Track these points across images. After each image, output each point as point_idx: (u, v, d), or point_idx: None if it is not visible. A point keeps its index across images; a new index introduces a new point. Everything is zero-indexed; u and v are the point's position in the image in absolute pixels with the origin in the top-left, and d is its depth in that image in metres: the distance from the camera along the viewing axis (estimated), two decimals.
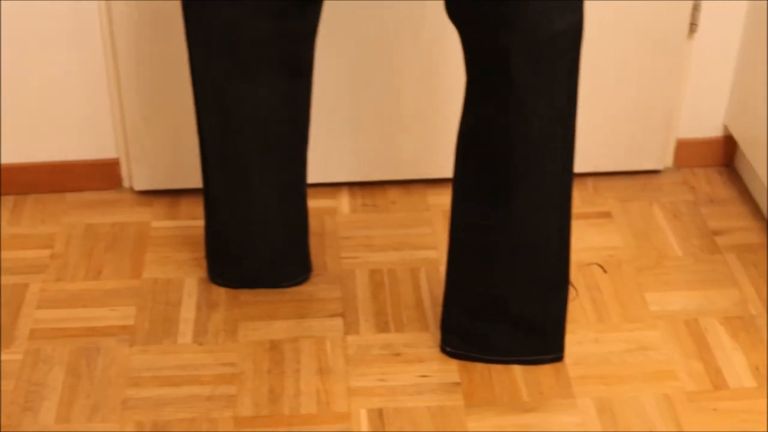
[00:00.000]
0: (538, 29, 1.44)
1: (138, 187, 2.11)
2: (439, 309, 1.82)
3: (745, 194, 2.15)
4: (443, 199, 2.10)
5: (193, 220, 2.05)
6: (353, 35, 1.97)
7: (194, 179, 2.05)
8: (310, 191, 2.06)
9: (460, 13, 1.50)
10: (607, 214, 2.09)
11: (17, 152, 2.08)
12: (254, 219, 1.79)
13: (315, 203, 2.08)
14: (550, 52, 1.47)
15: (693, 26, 2.05)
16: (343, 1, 1.93)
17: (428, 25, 1.97)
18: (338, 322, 1.82)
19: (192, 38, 1.63)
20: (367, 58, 2.00)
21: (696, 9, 2.04)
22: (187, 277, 1.91)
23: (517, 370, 1.73)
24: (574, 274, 1.92)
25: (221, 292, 1.88)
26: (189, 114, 2.01)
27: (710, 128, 2.20)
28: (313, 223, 2.02)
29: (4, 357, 1.74)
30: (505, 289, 1.66)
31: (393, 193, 2.14)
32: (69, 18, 1.94)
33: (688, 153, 2.21)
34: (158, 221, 2.06)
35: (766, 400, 1.69)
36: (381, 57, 2.00)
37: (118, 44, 1.96)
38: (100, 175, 2.12)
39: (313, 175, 2.08)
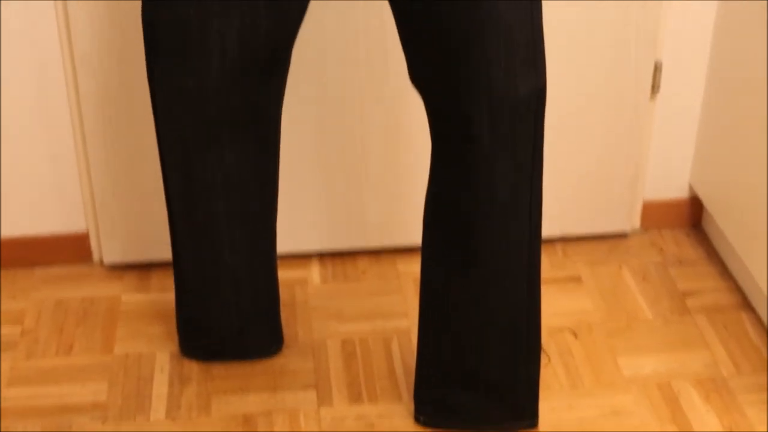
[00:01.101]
0: (501, 94, 1.46)
1: (108, 260, 2.10)
2: (412, 378, 1.82)
3: (713, 255, 2.17)
4: (413, 267, 2.11)
5: (164, 292, 2.05)
6: (318, 104, 1.99)
7: (164, 252, 2.05)
8: (280, 261, 2.06)
9: (422, 79, 1.51)
10: (576, 279, 2.10)
11: None
12: (224, 291, 1.79)
13: (285, 273, 2.08)
14: (514, 116, 1.48)
15: (655, 87, 2.08)
16: (307, 71, 1.94)
17: (392, 91, 1.99)
18: (311, 394, 1.81)
19: (158, 110, 1.64)
20: (333, 127, 2.01)
21: (657, 70, 2.07)
22: (158, 351, 1.90)
23: None
24: (546, 340, 1.92)
25: (193, 366, 1.87)
26: (158, 187, 2.01)
27: (676, 189, 2.22)
28: (284, 294, 2.02)
29: None
30: (476, 358, 1.66)
31: (363, 262, 2.14)
32: (36, 93, 1.94)
33: (655, 214, 2.23)
34: (129, 294, 2.05)
35: None
36: (346, 125, 2.01)
37: (85, 118, 1.96)
38: (70, 249, 2.11)
39: (282, 245, 2.08)
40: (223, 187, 1.68)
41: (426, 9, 1.42)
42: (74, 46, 1.90)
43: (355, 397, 1.80)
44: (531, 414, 1.73)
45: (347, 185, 2.07)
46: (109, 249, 2.09)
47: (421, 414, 1.74)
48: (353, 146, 2.04)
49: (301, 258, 2.14)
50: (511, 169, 1.53)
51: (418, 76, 1.51)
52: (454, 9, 1.39)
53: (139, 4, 1.82)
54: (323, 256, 2.15)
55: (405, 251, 2.15)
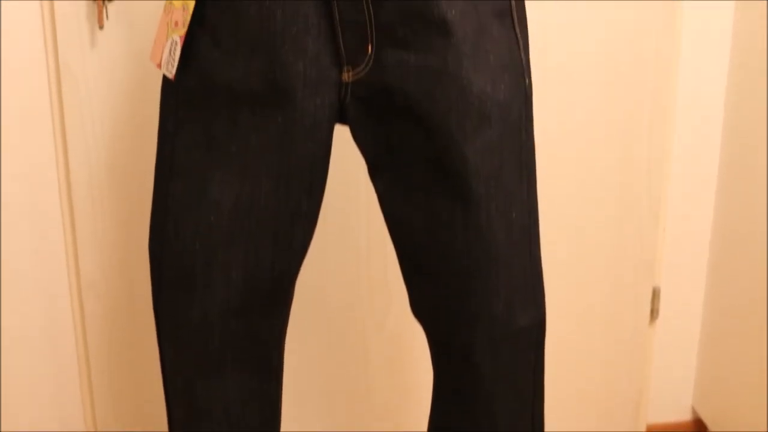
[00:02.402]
0: (502, 326, 1.47)
1: None
2: None
3: None
4: None
5: None
6: (320, 333, 2.01)
7: None
8: None
9: (424, 311, 1.53)
10: None
11: None
12: None
13: None
14: (514, 346, 1.49)
15: (654, 312, 2.10)
16: (309, 301, 1.97)
17: (394, 319, 2.01)
18: None
19: (163, 338, 1.64)
20: (336, 356, 2.02)
21: (656, 295, 2.09)
22: None
23: None
24: None
25: None
26: (161, 412, 2.00)
27: (679, 411, 2.22)
28: None
29: None
30: None
31: None
32: (42, 317, 1.96)
33: None
34: None
35: None
36: (349, 355, 2.02)
37: (90, 343, 1.98)
38: None
39: None
40: (225, 413, 1.68)
41: (426, 244, 1.45)
42: (81, 271, 1.94)
43: None
44: None
45: (350, 413, 2.07)
46: None
47: None
48: (356, 375, 2.04)
49: None
50: (512, 398, 1.53)
51: (419, 308, 1.54)
52: (454, 244, 1.43)
53: (146, 232, 1.87)
54: None
55: None
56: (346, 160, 1.71)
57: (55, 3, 1.77)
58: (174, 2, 1.41)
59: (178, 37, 1.40)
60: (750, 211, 1.96)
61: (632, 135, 2.01)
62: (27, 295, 1.95)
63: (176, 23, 1.41)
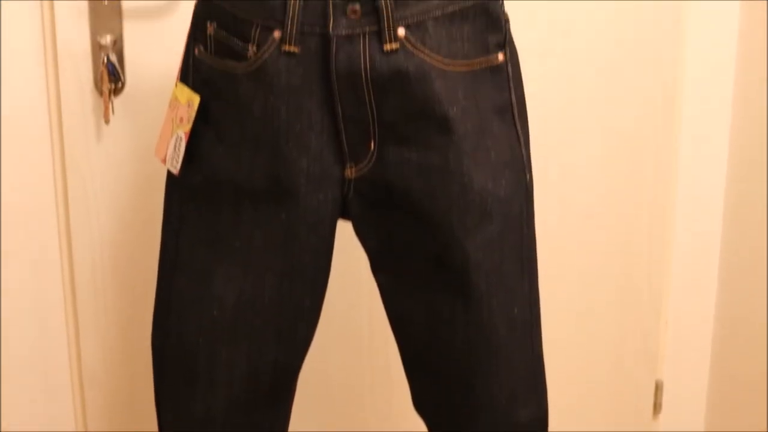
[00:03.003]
0: (503, 421, 1.46)
1: None
2: None
3: None
4: None
5: None
6: (324, 425, 2.00)
7: None
8: None
9: (426, 406, 1.53)
10: None
11: None
12: None
13: None
14: None
15: (657, 406, 2.09)
16: (314, 394, 1.96)
17: (397, 410, 2.00)
18: None
19: (164, 429, 1.64)
20: None
21: (659, 389, 2.09)
22: None
23: None
24: None
25: None
26: None
27: None
28: None
29: None
30: None
31: None
32: (42, 409, 1.96)
33: None
34: None
35: None
36: None
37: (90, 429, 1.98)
38: None
39: None
40: None
41: (427, 340, 1.46)
42: (83, 362, 1.93)
43: None
44: None
45: None
46: None
47: None
48: None
49: None
50: None
51: (420, 403, 1.53)
52: (456, 341, 1.42)
53: (149, 326, 1.87)
54: None
55: None
56: (349, 254, 1.72)
57: (62, 98, 1.80)
58: (179, 98, 1.43)
59: (182, 132, 1.42)
60: (751, 304, 1.97)
61: (632, 227, 2.03)
62: (28, 385, 1.95)
63: (181, 119, 1.43)
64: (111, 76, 1.78)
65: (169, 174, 1.46)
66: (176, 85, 1.44)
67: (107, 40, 1.77)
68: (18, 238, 1.88)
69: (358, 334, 1.98)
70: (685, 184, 2.04)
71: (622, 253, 2.04)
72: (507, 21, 1.39)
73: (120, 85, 1.80)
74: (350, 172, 1.37)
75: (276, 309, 1.43)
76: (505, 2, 1.39)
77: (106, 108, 1.78)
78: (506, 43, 1.39)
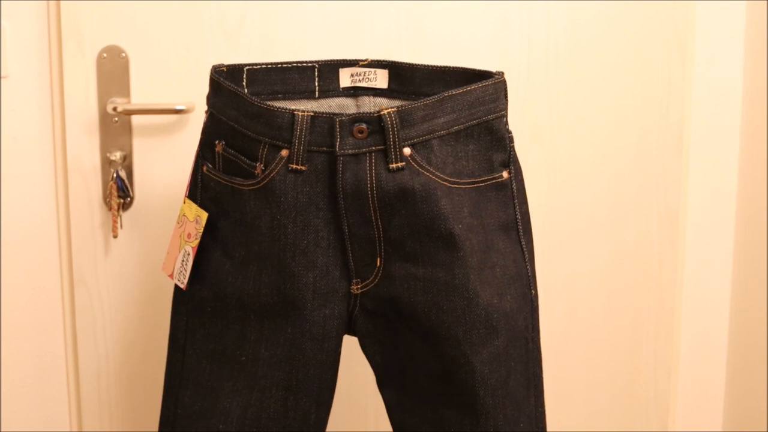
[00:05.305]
0: None
1: None
2: None
3: None
4: None
5: None
6: None
7: None
8: None
9: None
10: None
11: None
12: None
13: None
14: None
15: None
16: None
17: None
18: None
19: None
20: None
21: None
22: None
23: None
24: None
25: None
26: None
27: None
28: None
29: None
30: None
31: None
32: None
33: None
34: None
35: None
36: None
37: None
38: None
39: None
40: None
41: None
42: None
43: None
44: None
45: None
46: None
47: None
48: None
49: None
50: None
51: None
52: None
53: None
54: None
55: None
56: (354, 369, 1.72)
57: (71, 211, 1.82)
58: (187, 215, 1.45)
59: (190, 248, 1.43)
60: (760, 405, 1.97)
61: (637, 342, 2.03)
62: None
63: (189, 235, 1.45)
64: (120, 191, 1.80)
65: (177, 288, 1.47)
66: (184, 201, 1.46)
67: (117, 155, 1.80)
68: (24, 352, 1.88)
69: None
70: (690, 286, 2.05)
71: (627, 369, 2.04)
72: (511, 139, 1.42)
73: (129, 200, 1.82)
74: (356, 288, 1.38)
75: (281, 423, 1.42)
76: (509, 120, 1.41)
77: (114, 222, 1.80)
78: (511, 162, 1.42)
